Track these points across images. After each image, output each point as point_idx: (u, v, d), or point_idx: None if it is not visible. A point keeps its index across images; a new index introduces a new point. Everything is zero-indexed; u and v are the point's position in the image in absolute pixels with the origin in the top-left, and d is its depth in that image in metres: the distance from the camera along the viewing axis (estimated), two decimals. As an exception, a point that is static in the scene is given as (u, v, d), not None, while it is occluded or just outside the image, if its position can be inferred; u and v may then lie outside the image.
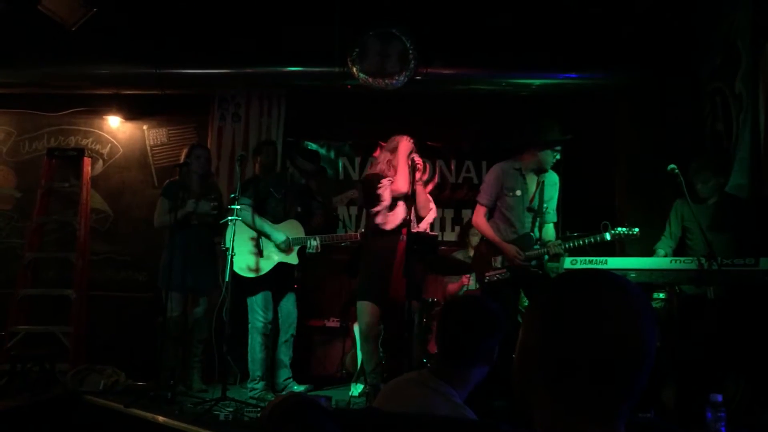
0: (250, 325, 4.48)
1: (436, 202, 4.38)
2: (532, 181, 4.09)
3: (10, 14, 5.05)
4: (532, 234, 4.05)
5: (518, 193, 4.04)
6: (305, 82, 5.57)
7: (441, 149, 6.06)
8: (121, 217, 6.01)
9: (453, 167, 6.07)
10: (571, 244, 3.86)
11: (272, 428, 1.01)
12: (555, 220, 4.22)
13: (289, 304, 4.60)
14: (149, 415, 3.76)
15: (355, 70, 5.14)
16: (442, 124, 5.95)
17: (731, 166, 4.31)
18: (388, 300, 4.05)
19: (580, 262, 3.70)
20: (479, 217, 4.11)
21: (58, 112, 6.08)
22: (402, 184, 4.04)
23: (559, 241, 3.97)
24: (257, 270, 4.44)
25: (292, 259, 4.51)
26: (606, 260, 3.71)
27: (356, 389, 4.59)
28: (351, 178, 6.10)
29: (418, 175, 3.96)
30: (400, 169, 4.07)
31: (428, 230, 4.26)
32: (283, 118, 5.92)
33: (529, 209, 4.06)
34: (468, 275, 5.06)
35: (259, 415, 3.75)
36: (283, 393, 4.40)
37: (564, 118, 4.43)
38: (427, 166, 4.95)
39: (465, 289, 5.11)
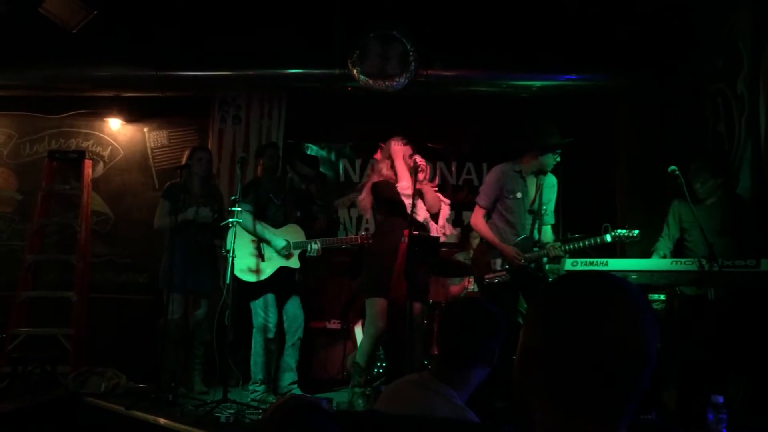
0: (254, 329, 4.48)
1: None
2: (532, 183, 4.09)
3: (11, 17, 5.07)
4: (531, 236, 4.05)
5: (519, 195, 4.04)
6: (306, 84, 5.56)
7: (442, 151, 6.06)
8: (121, 220, 6.01)
9: (454, 169, 6.07)
10: (572, 246, 3.86)
11: (273, 430, 1.01)
12: (553, 222, 4.23)
13: (294, 308, 4.58)
14: (150, 417, 3.76)
15: (355, 72, 5.15)
16: (443, 125, 5.95)
17: (730, 167, 4.32)
18: (389, 300, 4.07)
19: (581, 264, 3.70)
20: (478, 218, 4.12)
21: (58, 115, 6.08)
22: (407, 185, 4.07)
23: (559, 243, 3.97)
24: (258, 273, 4.44)
25: (294, 262, 4.50)
26: (607, 262, 3.71)
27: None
28: (352, 180, 6.10)
29: (421, 176, 3.97)
30: (400, 171, 4.10)
31: (445, 227, 4.25)
32: (284, 120, 5.92)
33: (530, 211, 4.06)
34: (470, 278, 5.06)
35: (260, 417, 3.75)
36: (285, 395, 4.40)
37: (564, 119, 4.44)
38: (428, 167, 4.95)
39: (467, 291, 5.11)
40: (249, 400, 4.21)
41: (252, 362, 4.45)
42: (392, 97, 5.41)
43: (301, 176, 4.64)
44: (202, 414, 3.75)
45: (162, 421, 3.69)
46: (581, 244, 3.83)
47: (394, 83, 5.17)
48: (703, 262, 3.52)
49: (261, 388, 4.38)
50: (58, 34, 4.94)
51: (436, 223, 4.18)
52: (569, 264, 3.71)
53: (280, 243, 4.44)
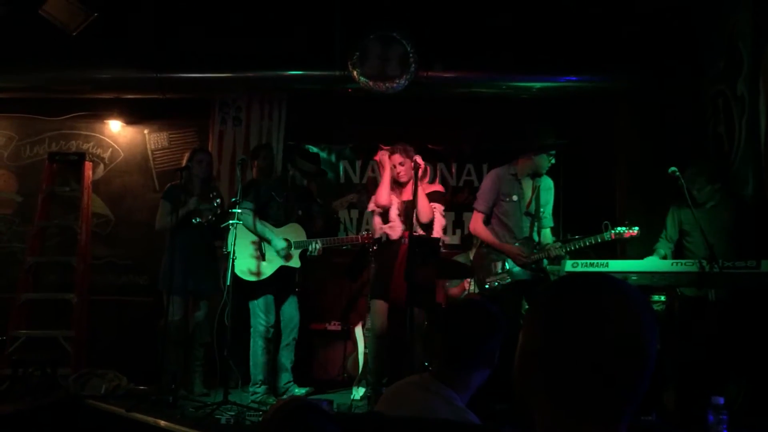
0: (252, 329, 4.47)
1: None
2: (527, 185, 4.10)
3: (11, 19, 5.07)
4: (531, 238, 4.05)
5: (515, 198, 4.06)
6: (306, 86, 5.57)
7: (442, 152, 6.06)
8: (122, 221, 6.01)
9: (454, 170, 6.07)
10: (572, 246, 3.87)
11: (274, 432, 1.01)
12: (552, 224, 4.23)
13: (291, 308, 4.59)
14: (151, 419, 3.76)
15: (355, 73, 5.15)
16: (443, 127, 5.95)
17: (730, 168, 4.32)
18: (389, 302, 4.09)
19: (581, 265, 3.70)
20: (477, 223, 4.14)
21: (59, 117, 6.08)
22: (382, 197, 4.20)
23: (559, 244, 3.98)
24: (259, 273, 4.44)
25: (294, 262, 4.50)
26: (607, 263, 3.71)
27: (358, 393, 4.60)
28: (352, 181, 6.10)
29: (424, 181, 4.00)
30: (382, 182, 4.24)
31: (442, 236, 4.28)
32: (284, 122, 5.92)
33: (527, 214, 4.07)
34: (469, 279, 5.05)
35: (260, 418, 3.75)
36: (285, 397, 4.40)
37: (564, 120, 4.45)
38: (428, 168, 4.96)
39: (466, 293, 5.11)
40: (249, 401, 4.21)
41: (251, 363, 4.45)
42: (392, 99, 5.41)
43: (303, 172, 4.62)
44: (202, 416, 3.75)
45: (162, 423, 3.70)
46: (582, 243, 3.83)
47: (395, 85, 5.17)
48: (704, 263, 3.52)
49: (261, 389, 4.38)
50: (58, 35, 4.95)
51: (430, 234, 4.19)
52: (569, 265, 3.71)
53: (281, 244, 4.44)
